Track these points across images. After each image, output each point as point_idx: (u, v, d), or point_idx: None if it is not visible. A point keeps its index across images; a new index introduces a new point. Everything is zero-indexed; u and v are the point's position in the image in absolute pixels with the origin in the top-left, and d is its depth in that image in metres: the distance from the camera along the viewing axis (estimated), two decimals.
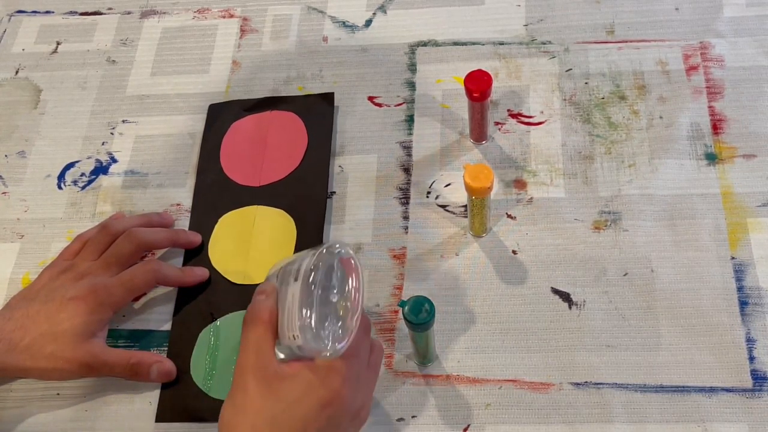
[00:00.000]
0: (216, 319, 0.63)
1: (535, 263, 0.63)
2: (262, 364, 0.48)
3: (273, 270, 0.53)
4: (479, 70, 0.62)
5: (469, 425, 0.57)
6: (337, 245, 0.49)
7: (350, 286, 0.48)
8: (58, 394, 0.61)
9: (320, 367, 0.48)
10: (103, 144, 0.74)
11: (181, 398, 0.60)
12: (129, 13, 0.82)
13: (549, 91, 0.71)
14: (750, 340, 0.58)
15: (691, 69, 0.71)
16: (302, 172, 0.69)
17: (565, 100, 0.70)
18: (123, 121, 0.75)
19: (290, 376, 0.48)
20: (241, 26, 0.79)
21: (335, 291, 0.49)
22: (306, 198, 0.68)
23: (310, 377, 0.47)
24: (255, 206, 0.68)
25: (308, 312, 0.47)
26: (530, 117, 0.70)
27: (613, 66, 0.72)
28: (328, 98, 0.73)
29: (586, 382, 0.58)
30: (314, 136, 0.71)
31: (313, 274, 0.48)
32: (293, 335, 0.48)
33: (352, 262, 0.49)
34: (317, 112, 0.72)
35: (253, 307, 0.50)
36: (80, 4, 0.83)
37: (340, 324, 0.48)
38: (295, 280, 0.48)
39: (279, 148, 0.71)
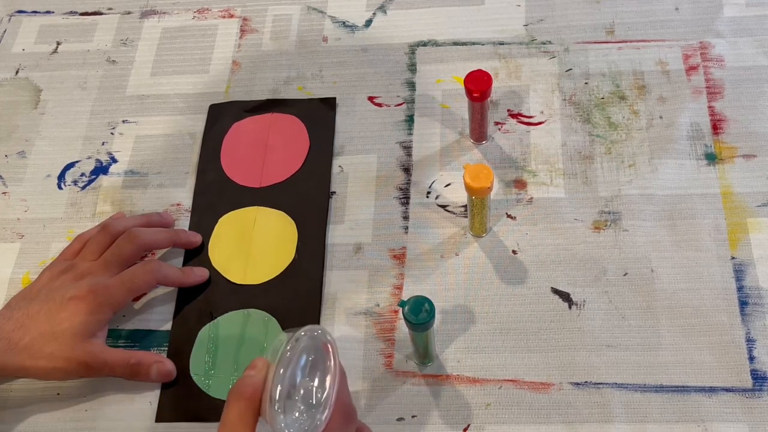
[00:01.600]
0: (215, 318, 0.63)
1: (535, 263, 0.63)
2: None
3: (275, 341, 0.51)
4: (479, 70, 0.62)
5: (469, 425, 0.57)
6: (318, 330, 0.48)
7: (326, 378, 0.47)
8: (58, 394, 0.61)
9: None
10: (103, 144, 0.74)
11: (181, 398, 0.60)
12: (129, 13, 0.82)
13: (549, 91, 0.71)
14: (750, 340, 0.58)
15: (691, 69, 0.71)
16: (304, 175, 0.69)
17: (565, 100, 0.70)
18: (123, 121, 0.75)
19: None
20: (241, 26, 0.79)
21: (312, 380, 0.47)
22: (307, 201, 0.68)
23: None
24: (255, 207, 0.68)
25: (275, 401, 0.46)
26: (530, 117, 0.70)
27: (613, 66, 0.72)
28: (329, 103, 0.73)
29: (586, 382, 0.58)
30: (316, 140, 0.71)
31: (284, 360, 0.47)
32: (265, 419, 0.47)
33: (330, 349, 0.48)
34: (319, 116, 0.72)
35: (239, 381, 0.49)
36: (80, 4, 0.83)
37: (309, 417, 0.46)
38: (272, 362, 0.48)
39: (280, 150, 0.71)
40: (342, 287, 0.64)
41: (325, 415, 0.46)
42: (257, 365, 0.49)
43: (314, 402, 0.46)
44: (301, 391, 0.47)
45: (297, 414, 0.46)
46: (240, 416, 0.47)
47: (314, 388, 0.47)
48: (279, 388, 0.46)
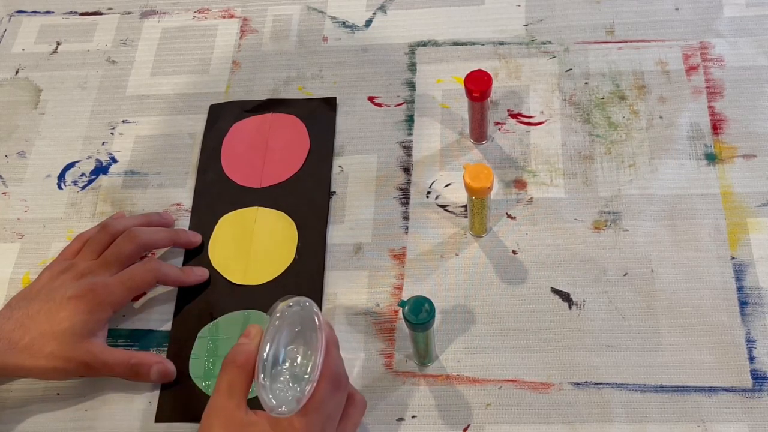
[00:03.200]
0: (215, 318, 0.63)
1: (535, 263, 0.63)
2: (229, 408, 0.48)
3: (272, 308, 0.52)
4: (479, 70, 0.62)
5: (469, 425, 0.57)
6: (307, 302, 0.49)
7: (313, 348, 0.48)
8: (58, 394, 0.61)
9: (280, 421, 0.47)
10: (103, 144, 0.74)
11: (180, 398, 0.60)
12: (129, 13, 0.82)
13: (549, 91, 0.71)
14: (750, 340, 0.58)
15: (691, 69, 0.71)
16: (304, 175, 0.69)
17: (565, 100, 0.70)
18: (123, 121, 0.75)
19: (253, 425, 0.48)
20: (241, 26, 0.79)
21: (299, 350, 0.48)
22: (307, 202, 0.67)
23: (269, 430, 0.47)
24: (256, 207, 0.68)
25: (261, 370, 0.47)
26: (530, 117, 0.70)
27: (613, 66, 0.72)
28: (330, 103, 0.73)
29: (586, 382, 0.58)
30: (316, 141, 0.71)
31: (271, 330, 0.48)
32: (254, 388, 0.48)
33: (316, 321, 0.49)
34: (319, 116, 0.72)
35: (233, 349, 0.50)
36: (80, 4, 0.83)
37: (297, 386, 0.47)
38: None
39: (280, 150, 0.71)
40: (342, 287, 0.64)
41: (310, 385, 0.47)
42: (251, 333, 0.50)
43: (301, 372, 0.47)
44: (288, 361, 0.48)
45: (284, 383, 0.47)
46: (231, 383, 0.48)
47: (300, 359, 0.48)
48: (265, 357, 0.47)
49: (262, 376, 0.47)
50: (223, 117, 0.73)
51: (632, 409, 0.57)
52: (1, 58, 0.80)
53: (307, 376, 0.47)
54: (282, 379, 0.47)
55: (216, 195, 0.69)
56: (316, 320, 0.49)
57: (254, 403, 0.48)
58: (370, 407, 0.58)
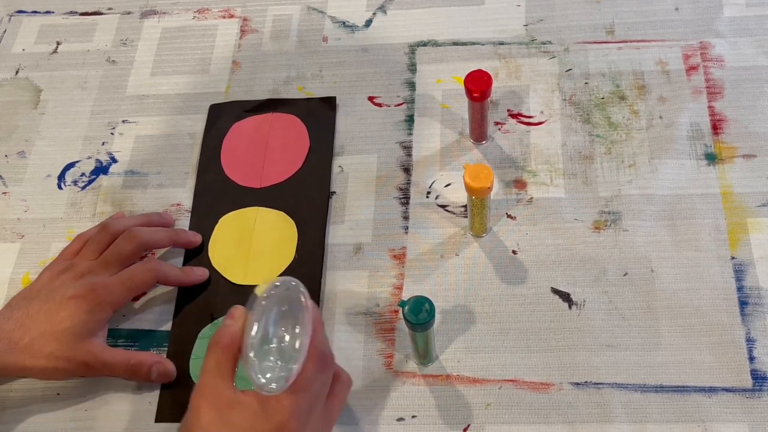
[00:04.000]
0: (216, 319, 0.63)
1: (535, 263, 0.63)
2: (216, 389, 0.48)
3: (258, 289, 0.52)
4: (479, 70, 0.62)
5: (469, 425, 0.57)
6: (293, 282, 0.49)
7: (300, 328, 0.48)
8: (58, 394, 0.61)
9: (269, 399, 0.48)
10: (103, 144, 0.74)
11: (180, 398, 0.60)
12: (129, 13, 0.82)
13: (549, 91, 0.71)
14: (750, 340, 0.58)
15: (691, 69, 0.71)
16: (304, 175, 0.69)
17: (565, 100, 0.70)
18: (123, 121, 0.75)
19: (240, 404, 0.48)
20: (241, 26, 0.79)
21: (286, 330, 0.48)
22: (307, 201, 0.67)
23: (257, 408, 0.48)
24: (255, 207, 0.68)
25: (249, 348, 0.48)
26: (530, 117, 0.70)
27: (613, 66, 0.72)
28: (330, 102, 0.73)
29: (586, 382, 0.58)
30: (316, 140, 0.71)
31: (259, 309, 0.48)
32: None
33: (302, 301, 0.49)
34: (319, 115, 0.72)
35: (218, 330, 0.50)
36: (80, 4, 0.83)
37: (284, 364, 0.48)
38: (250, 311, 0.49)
39: (280, 150, 0.71)
40: (342, 287, 0.64)
41: (298, 363, 0.47)
42: (235, 314, 0.51)
43: (288, 351, 0.48)
44: (275, 341, 0.48)
45: (271, 363, 0.48)
46: (217, 364, 0.49)
47: (288, 338, 0.48)
48: (252, 337, 0.48)
49: (251, 354, 0.48)
50: (223, 117, 0.73)
51: (632, 409, 0.57)
52: (1, 58, 0.80)
53: (295, 355, 0.47)
54: (270, 357, 0.48)
55: (216, 195, 0.69)
56: (303, 300, 0.49)
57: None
58: (370, 407, 0.58)
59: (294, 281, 0.50)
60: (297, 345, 0.48)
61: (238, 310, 0.51)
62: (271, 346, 0.48)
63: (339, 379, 0.53)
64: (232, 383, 0.49)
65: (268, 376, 0.47)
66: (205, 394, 0.49)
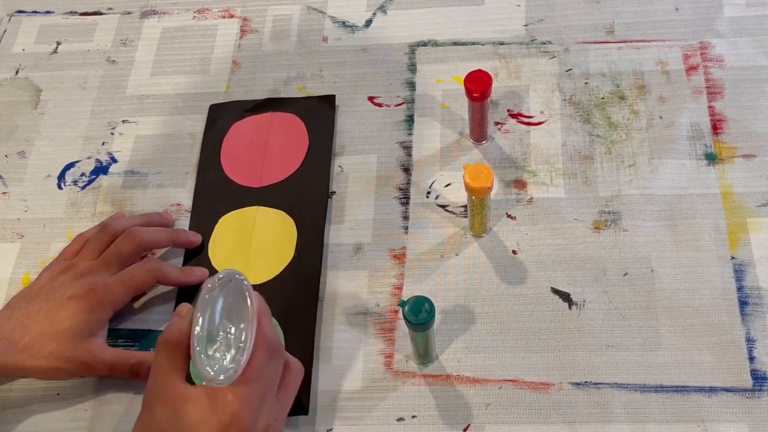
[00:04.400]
0: None
1: (535, 263, 0.63)
2: (167, 386, 0.48)
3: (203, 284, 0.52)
4: (479, 70, 0.62)
5: (469, 425, 0.57)
6: (236, 275, 0.50)
7: (245, 320, 0.48)
8: (58, 394, 0.61)
9: (220, 391, 0.48)
10: (103, 144, 0.74)
11: None
12: (129, 13, 0.82)
13: (549, 91, 0.71)
14: (750, 340, 0.58)
15: (691, 69, 0.71)
16: (303, 174, 0.69)
17: (565, 100, 0.70)
18: (123, 121, 0.75)
19: (192, 398, 0.48)
20: (241, 26, 0.79)
21: (232, 322, 0.49)
22: (307, 200, 0.67)
23: (209, 401, 0.48)
24: (255, 207, 0.68)
25: (196, 342, 0.48)
26: (530, 117, 0.70)
27: (613, 66, 0.72)
28: (329, 101, 0.73)
29: (586, 382, 0.58)
30: (315, 139, 0.71)
31: (203, 304, 0.49)
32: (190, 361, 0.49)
33: (246, 292, 0.49)
34: (318, 114, 0.72)
35: (165, 329, 0.50)
36: (80, 4, 0.83)
37: (232, 355, 0.48)
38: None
39: (280, 149, 0.71)
40: (342, 287, 0.64)
41: (245, 354, 0.47)
42: (181, 312, 0.51)
43: (236, 342, 0.48)
44: (222, 333, 0.48)
45: (219, 355, 0.48)
46: (167, 360, 0.49)
47: (234, 330, 0.48)
48: (199, 330, 0.48)
49: (198, 348, 0.48)
50: (222, 117, 0.73)
51: (632, 409, 0.57)
52: (1, 58, 0.80)
53: (241, 345, 0.48)
54: (218, 350, 0.48)
55: (216, 195, 0.69)
56: (246, 291, 0.49)
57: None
58: (370, 407, 0.58)
59: (238, 273, 0.50)
60: (243, 336, 0.48)
61: (184, 307, 0.51)
62: (218, 339, 0.48)
63: (290, 368, 0.53)
64: (183, 379, 0.49)
65: (217, 368, 0.47)
66: (158, 392, 0.49)
